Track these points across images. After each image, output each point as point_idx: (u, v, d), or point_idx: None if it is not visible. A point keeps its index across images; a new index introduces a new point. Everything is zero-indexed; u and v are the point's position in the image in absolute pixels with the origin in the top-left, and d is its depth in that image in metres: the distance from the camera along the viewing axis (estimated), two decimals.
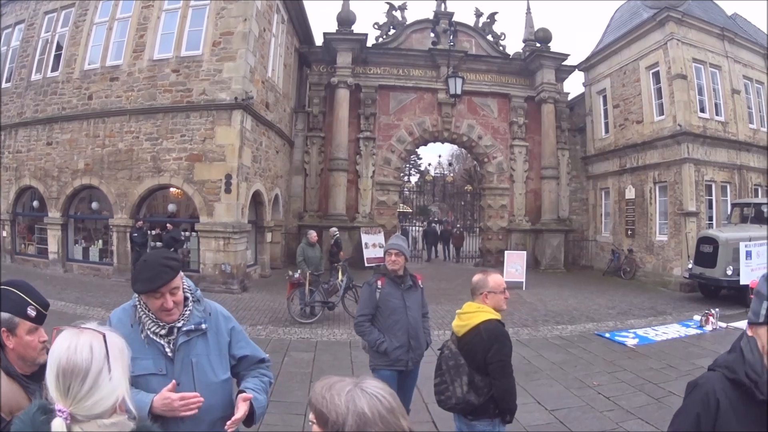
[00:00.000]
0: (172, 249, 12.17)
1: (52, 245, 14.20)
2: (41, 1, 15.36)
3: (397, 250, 4.21)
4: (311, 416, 1.25)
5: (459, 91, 16.05)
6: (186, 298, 2.15)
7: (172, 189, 13.25)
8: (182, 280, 2.14)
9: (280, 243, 17.06)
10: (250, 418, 2.10)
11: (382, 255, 14.64)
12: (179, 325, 2.10)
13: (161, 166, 12.64)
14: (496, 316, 3.22)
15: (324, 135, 18.23)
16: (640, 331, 9.92)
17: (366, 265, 16.42)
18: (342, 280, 10.25)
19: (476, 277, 3.39)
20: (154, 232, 13.41)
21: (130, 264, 12.79)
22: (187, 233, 13.28)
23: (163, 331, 2.08)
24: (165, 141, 12.64)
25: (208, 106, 12.41)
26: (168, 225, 13.09)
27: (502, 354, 3.04)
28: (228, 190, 12.11)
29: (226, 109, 12.35)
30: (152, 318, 2.09)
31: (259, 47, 13.61)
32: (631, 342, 9.32)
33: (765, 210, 14.89)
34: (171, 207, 13.70)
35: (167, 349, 2.07)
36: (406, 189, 24.21)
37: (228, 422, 1.98)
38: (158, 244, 12.86)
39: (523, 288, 14.43)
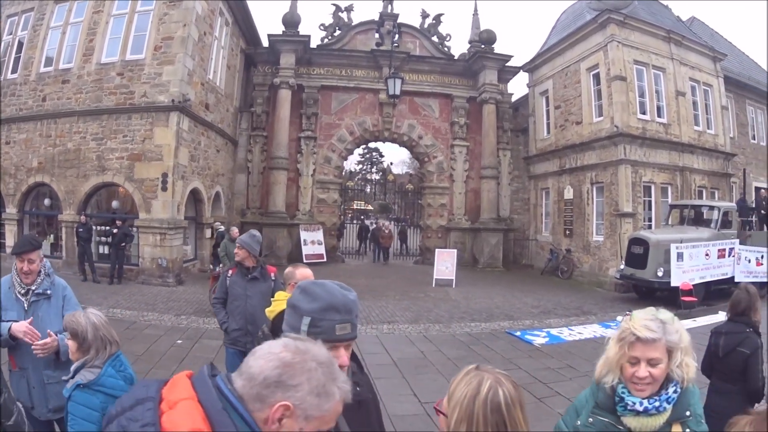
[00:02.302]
0: (123, 244, 15.36)
1: (9, 239, 16.79)
2: (4, 1, 18.19)
3: (240, 245, 5.88)
4: (67, 334, 3.04)
5: (398, 92, 18.96)
6: (40, 272, 3.79)
7: (114, 186, 16.26)
8: (40, 258, 3.81)
9: None
10: (58, 355, 3.50)
11: (320, 252, 18.83)
12: (33, 288, 3.72)
13: (105, 165, 15.71)
14: None
15: (266, 134, 21.86)
16: (554, 331, 11.38)
17: (304, 261, 19.17)
18: None
19: (287, 270, 4.59)
20: (99, 228, 16.18)
21: (76, 257, 15.67)
22: (133, 229, 16.00)
23: (22, 291, 3.70)
24: (109, 141, 15.71)
25: (148, 108, 15.51)
26: (117, 221, 15.97)
27: None
28: (164, 188, 15.24)
29: (164, 111, 15.45)
30: (18, 281, 3.72)
31: (198, 51, 16.75)
32: (539, 341, 10.73)
33: (704, 212, 17.47)
34: (114, 204, 16.76)
35: (25, 305, 3.68)
36: (367, 186, 28.56)
37: (37, 342, 3.41)
38: (108, 239, 15.68)
39: (453, 286, 17.21)
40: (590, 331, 11.45)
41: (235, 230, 13.48)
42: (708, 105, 21.61)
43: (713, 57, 21.88)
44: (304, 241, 20.79)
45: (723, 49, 25.67)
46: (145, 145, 15.51)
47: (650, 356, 2.15)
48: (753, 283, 15.56)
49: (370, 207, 46.27)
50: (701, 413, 2.29)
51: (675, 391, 2.19)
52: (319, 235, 21.29)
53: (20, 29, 17.77)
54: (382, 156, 51.50)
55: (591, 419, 2.37)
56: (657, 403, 2.18)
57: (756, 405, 4.11)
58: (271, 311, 4.23)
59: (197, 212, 18.38)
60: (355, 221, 37.04)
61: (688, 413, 2.22)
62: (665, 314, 2.23)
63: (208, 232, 18.54)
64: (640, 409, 2.18)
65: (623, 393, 2.23)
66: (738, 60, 28.40)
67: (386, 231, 25.22)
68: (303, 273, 4.32)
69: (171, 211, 15.44)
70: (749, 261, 16.36)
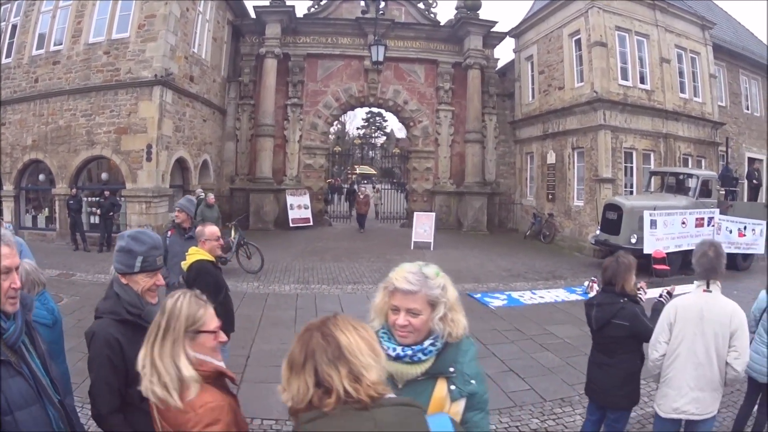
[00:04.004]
0: (111, 213, 17.61)
1: (6, 215, 19.00)
2: None
3: (179, 208, 7.24)
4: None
5: (381, 58, 20.60)
6: None
7: (104, 159, 18.54)
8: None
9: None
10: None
11: (307, 216, 21.92)
12: None
13: (94, 139, 17.89)
14: (207, 257, 5.72)
15: (254, 103, 24.20)
16: (515, 294, 12.22)
17: (291, 225, 22.51)
18: (234, 238, 14.93)
19: (198, 229, 6.01)
20: (90, 199, 18.52)
21: (68, 228, 18.07)
22: (121, 199, 18.05)
23: None
24: (97, 116, 17.86)
25: (133, 83, 17.58)
26: (105, 192, 18.03)
27: (200, 284, 4.81)
28: (149, 159, 17.40)
29: (148, 86, 17.52)
30: None
31: (181, 26, 18.87)
32: (497, 304, 11.52)
33: (685, 180, 18.38)
34: (104, 176, 18.98)
35: None
36: (370, 152, 30.66)
37: None
38: (98, 210, 17.97)
39: (431, 249, 18.80)
40: (553, 295, 12.38)
41: (210, 197, 15.51)
42: (695, 73, 22.89)
43: (702, 25, 23.04)
44: (291, 205, 23.24)
45: (718, 18, 26.89)
46: (130, 119, 17.67)
47: (409, 306, 2.33)
48: (739, 254, 17.16)
49: (373, 171, 48.85)
50: (472, 373, 2.42)
51: (433, 344, 2.37)
52: (305, 199, 23.63)
53: (13, 15, 20.02)
54: (385, 120, 53.54)
55: None
56: (410, 352, 2.34)
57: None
58: (184, 264, 5.75)
59: (184, 180, 20.82)
60: (354, 186, 38.97)
61: (452, 369, 2.38)
62: (430, 269, 2.43)
63: (194, 199, 20.94)
64: (393, 354, 2.33)
65: (382, 337, 2.38)
66: (733, 30, 29.50)
67: (361, 196, 26.10)
68: (211, 230, 5.82)
69: (156, 180, 17.65)
70: (730, 231, 17.17)
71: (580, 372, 6.69)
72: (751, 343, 5.15)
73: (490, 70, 25.64)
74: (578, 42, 21.43)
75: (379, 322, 2.49)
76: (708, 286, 4.25)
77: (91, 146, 18.10)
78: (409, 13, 25.23)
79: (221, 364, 2.55)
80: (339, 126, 59.30)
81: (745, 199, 23.12)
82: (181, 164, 20.21)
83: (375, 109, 40.71)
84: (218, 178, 23.74)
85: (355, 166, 56.16)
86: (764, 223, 17.95)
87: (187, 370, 2.33)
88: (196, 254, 5.74)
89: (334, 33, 24.45)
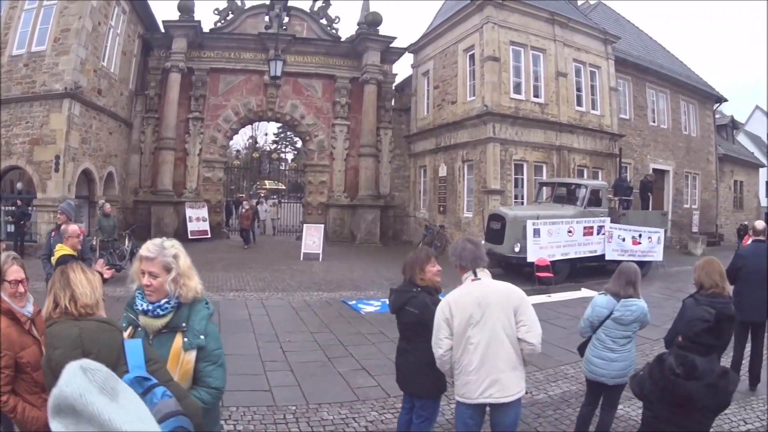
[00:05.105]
0: (22, 222, 20.89)
1: None
2: None
3: (60, 211, 10.09)
4: None
5: (278, 73, 25.14)
6: None
7: (20, 169, 22.29)
8: None
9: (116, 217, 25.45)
10: None
11: (205, 228, 31.71)
12: None
13: (12, 150, 21.51)
14: (70, 252, 8.02)
15: (158, 116, 29.44)
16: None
17: (189, 237, 27.50)
18: (128, 246, 19.26)
19: (62, 227, 8.49)
20: (6, 208, 22.08)
21: None
22: (32, 209, 21.37)
23: None
24: (15, 127, 21.57)
25: (46, 96, 21.48)
26: (18, 201, 21.46)
27: None
28: (57, 169, 21.24)
29: (59, 98, 21.32)
30: None
31: (92, 40, 22.94)
32: (368, 309, 13.90)
33: (577, 190, 21.65)
34: (19, 185, 23.02)
35: None
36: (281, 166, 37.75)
37: None
38: (10, 218, 21.45)
39: (320, 260, 23.08)
40: None
41: (107, 206, 19.35)
42: (594, 86, 28.21)
43: (604, 39, 28.47)
44: (190, 218, 28.82)
45: (627, 33, 33.58)
46: (42, 130, 21.78)
47: (150, 270, 3.83)
48: (636, 261, 19.57)
49: (283, 186, 57.30)
50: (201, 329, 3.90)
51: (168, 302, 3.84)
52: (203, 212, 29.46)
53: None
54: (296, 136, 61.89)
55: (124, 314, 4.04)
56: (151, 307, 3.82)
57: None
58: (53, 258, 8.55)
59: (90, 191, 25.06)
60: (266, 202, 44.69)
61: (184, 325, 3.86)
62: (169, 242, 4.07)
63: (73, 203, 23.11)
64: (141, 309, 3.85)
65: (138, 296, 3.93)
66: (642, 44, 36.85)
67: (243, 210, 30.38)
68: (72, 229, 8.49)
69: (62, 190, 21.44)
70: (623, 239, 20.64)
71: None
72: (587, 346, 6.86)
73: (388, 86, 32.66)
74: (472, 57, 26.27)
75: (136, 284, 3.94)
76: (476, 275, 5.38)
77: (8, 156, 21.97)
78: (311, 28, 31.73)
79: (16, 307, 4.48)
80: (250, 141, 67.66)
81: (641, 208, 27.34)
82: (87, 176, 24.50)
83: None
84: (123, 190, 28.84)
85: (265, 181, 63.09)
86: (662, 231, 21.77)
87: None
88: (61, 250, 8.44)
89: (237, 48, 30.59)
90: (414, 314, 5.96)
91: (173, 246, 4.05)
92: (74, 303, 3.44)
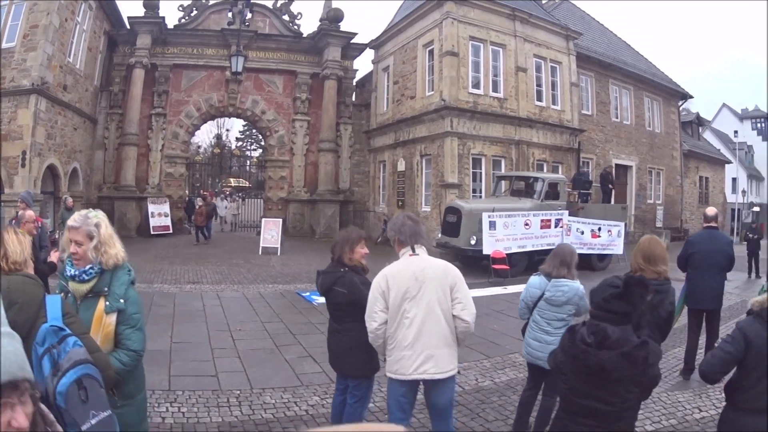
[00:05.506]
0: None
1: None
2: None
3: (20, 200, 12.46)
4: None
5: (240, 69, 27.28)
6: None
7: None
8: None
9: None
10: None
11: (167, 224, 36.17)
12: None
13: None
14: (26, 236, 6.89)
15: (122, 112, 31.57)
16: None
17: (152, 232, 29.98)
18: None
19: (20, 213, 10.44)
20: None
21: None
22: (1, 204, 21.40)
23: None
24: None
25: (14, 92, 22.51)
26: None
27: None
28: (23, 165, 22.48)
29: (26, 94, 22.54)
30: None
31: (59, 36, 24.33)
32: (322, 300, 10.25)
33: (535, 183, 23.06)
34: None
35: None
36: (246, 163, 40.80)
37: None
38: None
39: (278, 254, 24.78)
40: None
41: (69, 200, 20.76)
42: (555, 82, 30.40)
43: (566, 35, 30.66)
44: (152, 213, 30.93)
45: (592, 30, 36.31)
46: (10, 126, 22.86)
47: (75, 238, 4.36)
48: (594, 255, 22.59)
49: (248, 184, 60.93)
50: (121, 294, 4.45)
51: (91, 268, 4.38)
52: (165, 207, 31.59)
53: None
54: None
55: (58, 281, 4.66)
56: (77, 273, 4.35)
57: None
58: None
59: (55, 187, 26.72)
60: (228, 198, 47.20)
61: (106, 289, 4.36)
62: (93, 212, 4.62)
63: (32, 192, 21.73)
64: (69, 274, 4.37)
65: (68, 263, 4.43)
66: (607, 41, 39.80)
67: (197, 207, 32.25)
68: (29, 214, 9.89)
69: (28, 185, 22.29)
70: (582, 233, 21.78)
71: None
72: (525, 329, 7.31)
73: (348, 81, 35.38)
74: (432, 52, 28.07)
75: (67, 253, 4.52)
76: (414, 251, 5.79)
77: None
78: (274, 24, 34.37)
79: None
80: (215, 139, 71.06)
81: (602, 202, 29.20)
82: (52, 171, 26.08)
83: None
84: (87, 186, 30.92)
85: (230, 179, 65.78)
86: (622, 224, 23.10)
87: None
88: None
89: (200, 44, 32.92)
90: (343, 293, 6.42)
91: (96, 216, 4.67)
92: (6, 259, 4.06)
